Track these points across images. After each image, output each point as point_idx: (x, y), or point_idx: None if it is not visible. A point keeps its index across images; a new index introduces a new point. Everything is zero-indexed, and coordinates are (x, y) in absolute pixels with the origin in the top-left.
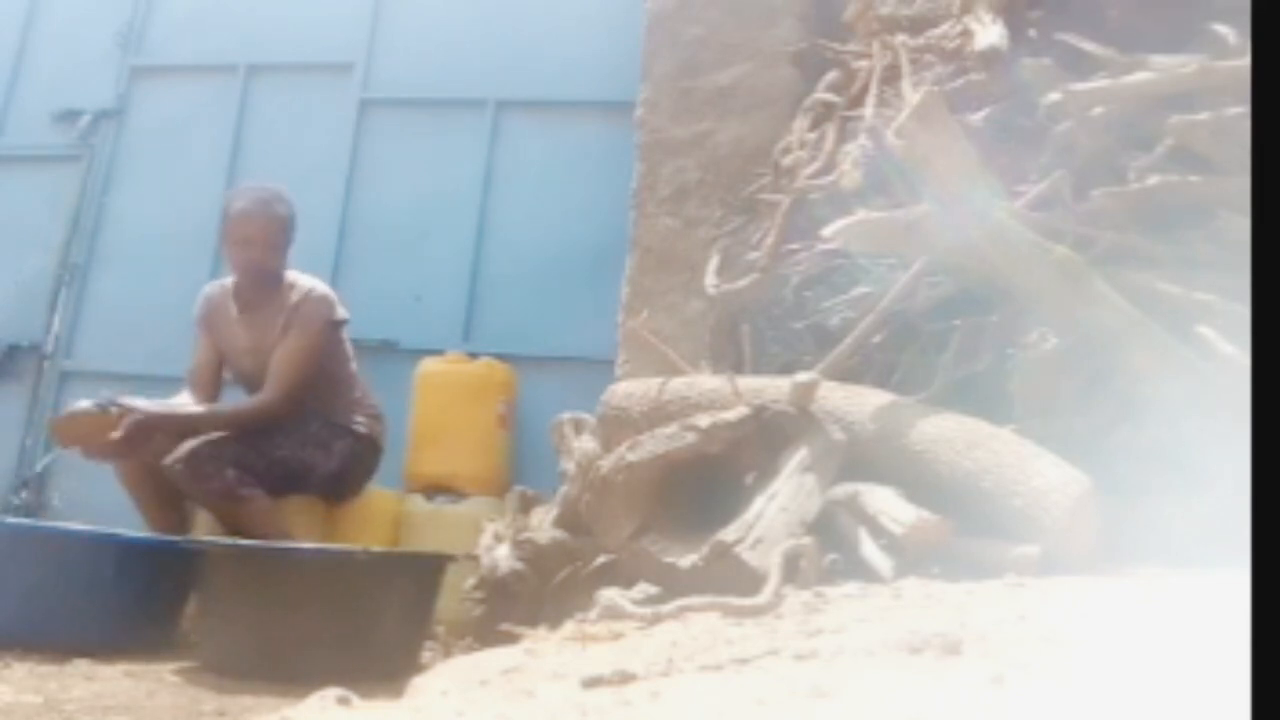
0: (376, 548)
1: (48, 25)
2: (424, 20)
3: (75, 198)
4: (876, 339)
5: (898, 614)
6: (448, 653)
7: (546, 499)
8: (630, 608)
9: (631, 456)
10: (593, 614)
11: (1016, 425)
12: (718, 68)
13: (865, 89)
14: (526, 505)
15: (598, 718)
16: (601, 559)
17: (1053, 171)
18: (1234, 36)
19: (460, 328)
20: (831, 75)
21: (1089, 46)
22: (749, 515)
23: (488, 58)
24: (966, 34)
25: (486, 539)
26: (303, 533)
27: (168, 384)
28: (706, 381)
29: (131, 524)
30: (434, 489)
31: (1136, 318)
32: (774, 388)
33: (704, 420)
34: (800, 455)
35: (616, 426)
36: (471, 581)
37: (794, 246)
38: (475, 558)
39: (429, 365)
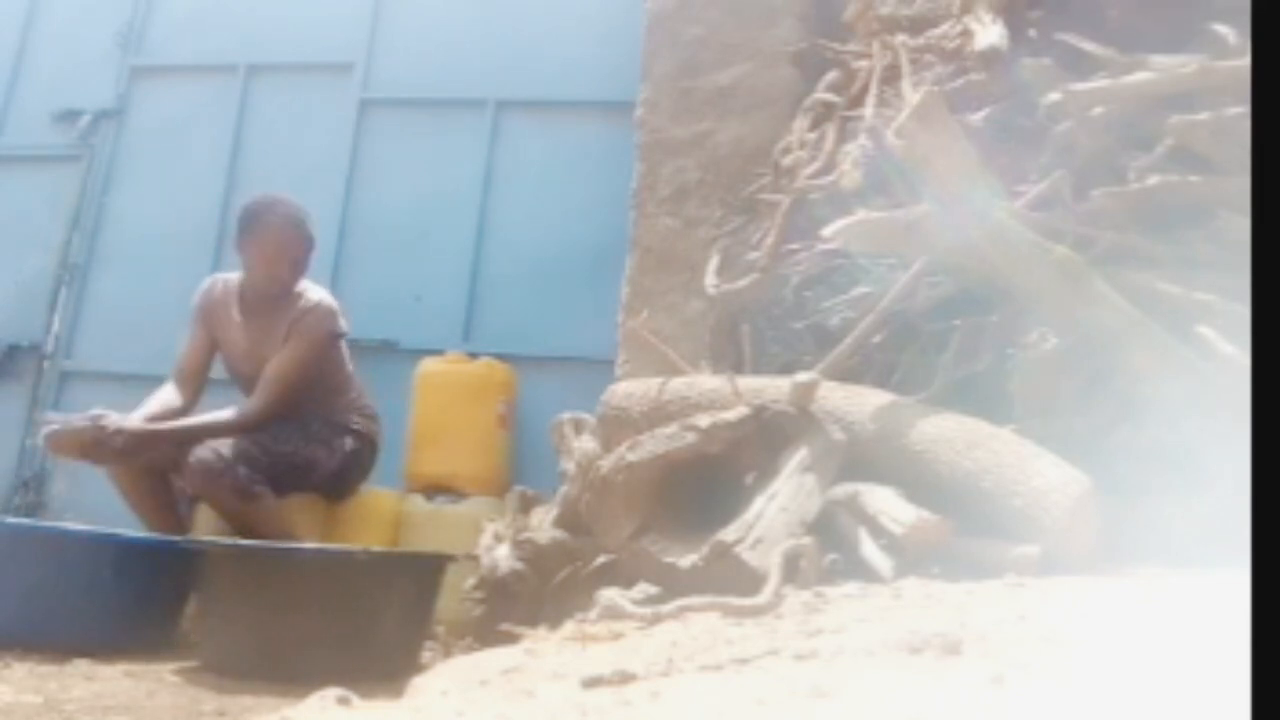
0: (376, 548)
1: (48, 25)
2: (424, 20)
3: (75, 198)
4: (876, 339)
5: (898, 614)
6: (448, 653)
7: (546, 499)
8: (630, 608)
9: (631, 456)
10: (593, 614)
11: (1016, 425)
12: (718, 68)
13: (865, 89)
14: (526, 505)
15: (598, 718)
16: (601, 559)
17: (1053, 171)
18: (1234, 36)
19: (460, 328)
20: (831, 75)
21: (1089, 46)
22: (749, 515)
23: (488, 58)
24: (966, 34)
25: (486, 539)
26: (304, 531)
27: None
28: (706, 381)
29: (131, 524)
30: (434, 489)
31: (1136, 318)
32: (774, 388)
33: (704, 420)
34: (800, 455)
35: (616, 426)
36: (471, 581)
37: (794, 246)
38: (475, 558)
39: (429, 365)
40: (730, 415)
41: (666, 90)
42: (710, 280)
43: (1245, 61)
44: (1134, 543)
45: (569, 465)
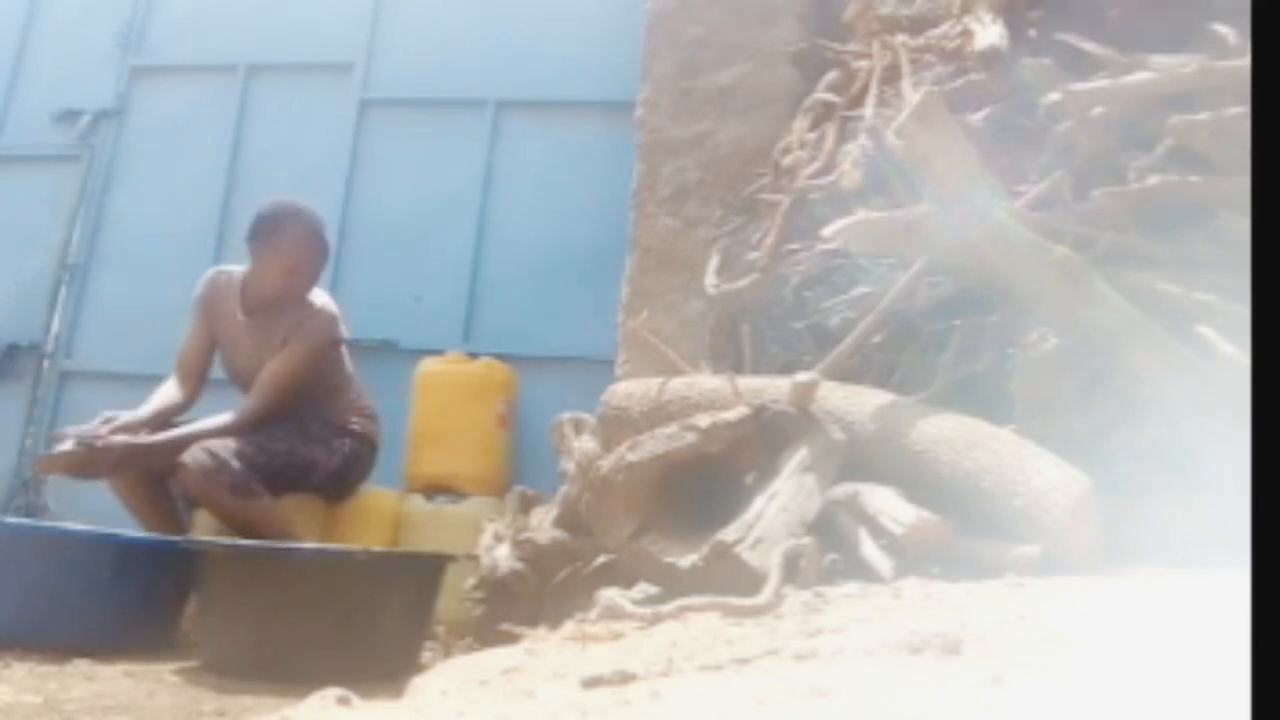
0: (376, 548)
1: (48, 25)
2: (424, 20)
3: (75, 198)
4: (876, 339)
5: (898, 614)
6: (448, 653)
7: (546, 499)
8: (630, 608)
9: (631, 456)
10: (593, 614)
11: (1016, 425)
12: (718, 68)
13: (865, 89)
14: (526, 505)
15: (598, 718)
16: (601, 559)
17: (1053, 171)
18: (1234, 36)
19: (460, 328)
20: (831, 75)
21: (1089, 46)
22: (749, 515)
23: (488, 58)
24: (966, 34)
25: (486, 539)
26: (303, 531)
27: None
28: (706, 381)
29: (131, 524)
30: (434, 489)
31: (1136, 318)
32: (774, 388)
33: (704, 420)
34: (800, 455)
35: (616, 426)
36: (471, 581)
37: (794, 246)
38: (475, 558)
39: (429, 365)
40: (730, 415)
41: (666, 90)
42: (710, 280)
43: (1245, 61)
44: (1134, 543)
45: (569, 465)
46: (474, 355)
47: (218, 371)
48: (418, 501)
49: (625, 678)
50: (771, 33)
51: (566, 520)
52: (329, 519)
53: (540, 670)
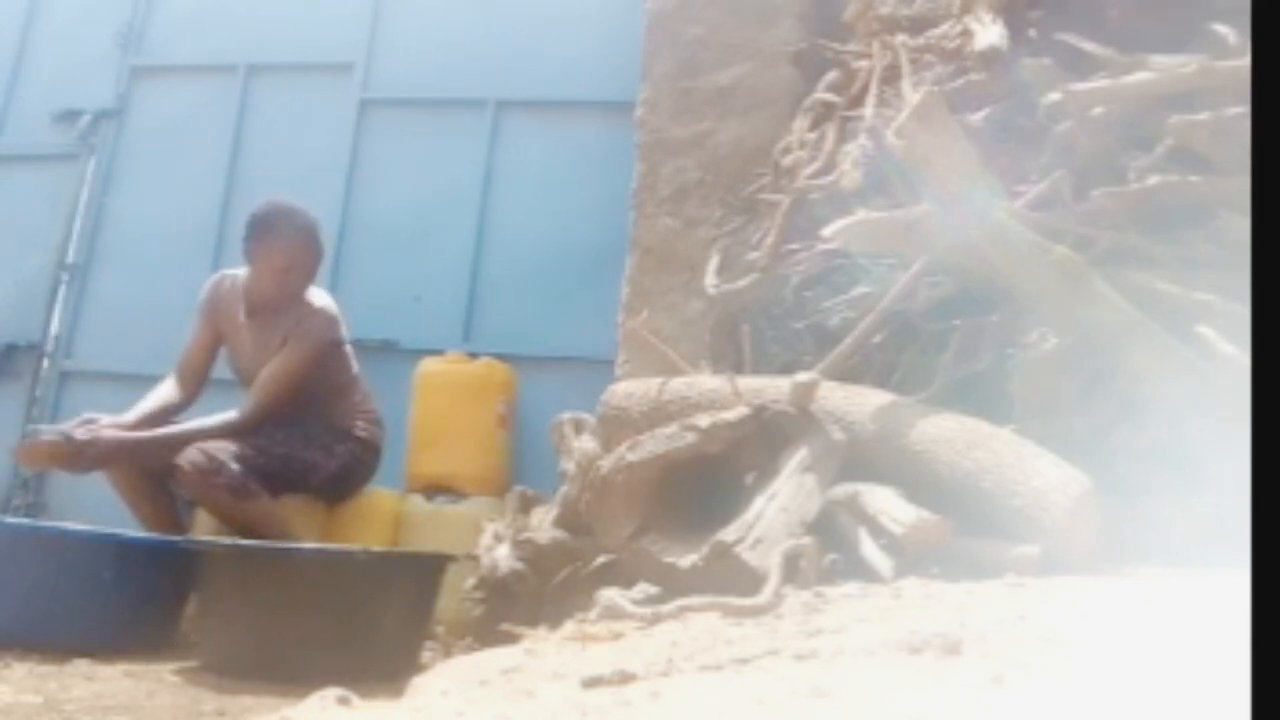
0: (376, 548)
1: (48, 25)
2: (424, 20)
3: (75, 197)
4: (876, 339)
5: (898, 614)
6: (448, 653)
7: (546, 499)
8: (630, 608)
9: (631, 456)
10: (593, 614)
11: (1016, 425)
12: (718, 68)
13: (865, 89)
14: (526, 505)
15: (598, 718)
16: (601, 559)
17: (1053, 171)
18: (1234, 36)
19: (460, 328)
20: (831, 75)
21: (1089, 46)
22: (749, 515)
23: (488, 58)
24: (966, 34)
25: (486, 539)
26: (302, 532)
27: None
28: (706, 381)
29: (131, 524)
30: (434, 489)
31: (1136, 318)
32: (774, 388)
33: (704, 420)
34: (800, 455)
35: (616, 426)
36: (471, 581)
37: (794, 246)
38: (475, 558)
39: (429, 365)
40: (730, 415)
41: (666, 90)
42: (710, 280)
43: (1245, 61)
44: (1134, 543)
45: (569, 465)
46: (474, 355)
47: (225, 372)
48: (418, 501)
49: (625, 678)
50: (771, 33)
51: (566, 520)
52: (329, 519)
53: (540, 670)
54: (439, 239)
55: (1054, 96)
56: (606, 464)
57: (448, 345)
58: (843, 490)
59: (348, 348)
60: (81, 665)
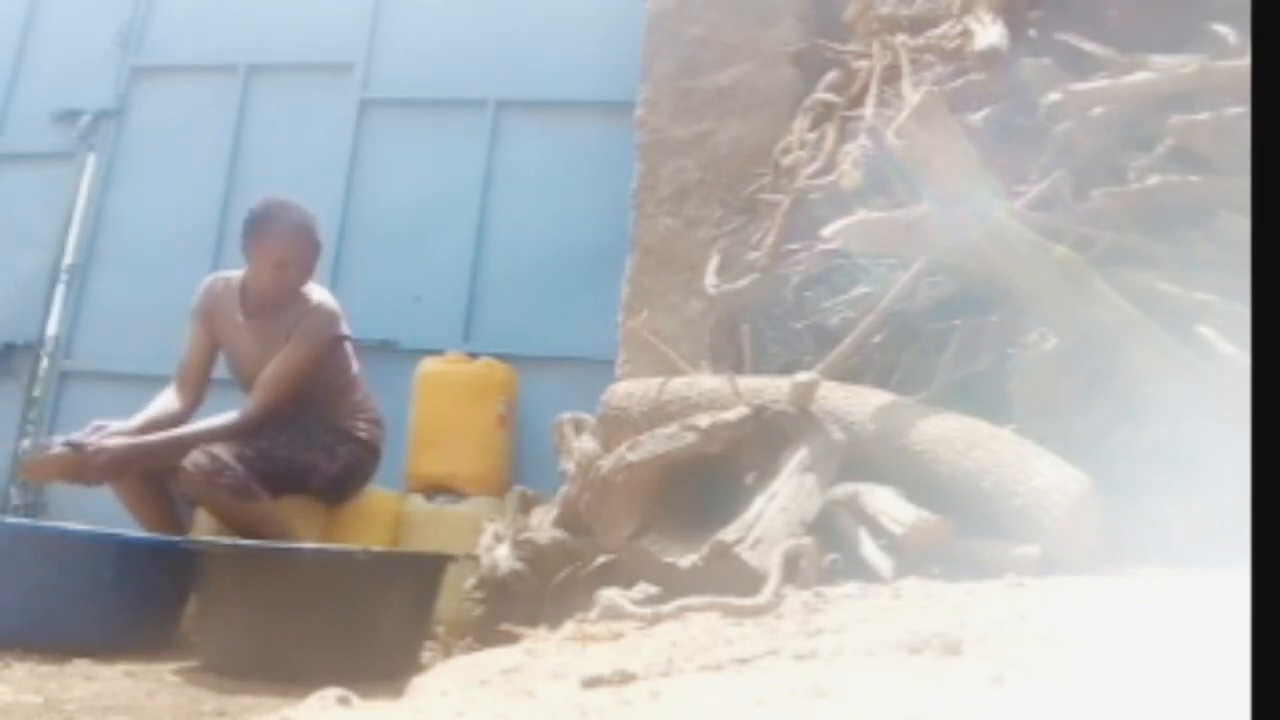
0: (376, 548)
1: (48, 25)
2: (424, 20)
3: (74, 197)
4: (876, 339)
5: (898, 614)
6: (448, 653)
7: (546, 499)
8: (630, 608)
9: (631, 456)
10: (593, 614)
11: (1016, 425)
12: (718, 68)
13: (865, 89)
14: (526, 505)
15: (598, 718)
16: (601, 559)
17: (1053, 171)
18: (1234, 36)
19: (460, 328)
20: (831, 75)
21: (1089, 46)
22: (749, 515)
23: (488, 58)
24: (966, 34)
25: (486, 539)
26: (303, 533)
27: (167, 384)
28: (706, 381)
29: (131, 524)
30: (434, 489)
31: (1136, 318)
32: (774, 388)
33: (704, 420)
34: (800, 455)
35: (616, 426)
36: (471, 581)
37: (794, 246)
38: (475, 558)
39: (429, 365)
40: (730, 415)
41: (666, 90)
42: (710, 280)
43: (1245, 61)
44: (1134, 543)
45: (569, 465)
46: (474, 355)
47: (225, 373)
48: (418, 501)
49: (625, 678)
50: (771, 33)
51: (566, 520)
52: (329, 519)
53: (540, 670)
54: (439, 239)
55: (1054, 96)
56: (606, 464)
57: (448, 345)
58: (843, 490)
59: (349, 344)
60: (81, 665)
